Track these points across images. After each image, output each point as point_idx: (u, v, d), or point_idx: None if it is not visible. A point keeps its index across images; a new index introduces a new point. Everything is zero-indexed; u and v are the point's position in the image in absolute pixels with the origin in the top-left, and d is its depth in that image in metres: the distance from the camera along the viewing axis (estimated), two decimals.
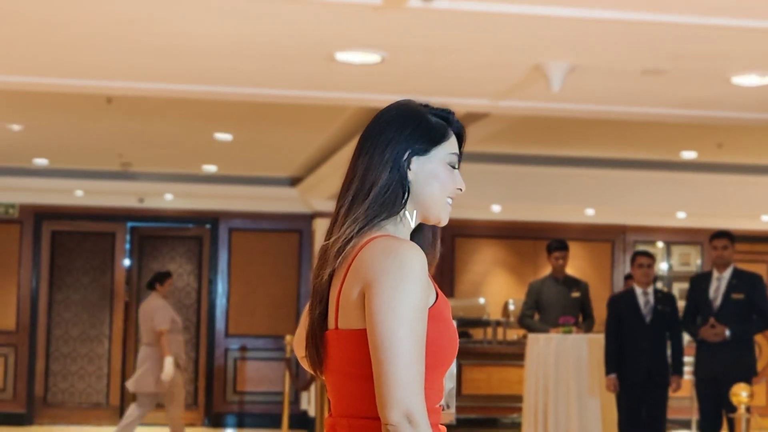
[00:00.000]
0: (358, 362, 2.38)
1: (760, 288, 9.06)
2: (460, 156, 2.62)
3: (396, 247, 2.38)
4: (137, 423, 10.99)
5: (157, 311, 11.01)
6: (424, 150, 2.52)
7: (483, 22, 5.99)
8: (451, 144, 2.56)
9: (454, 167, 2.57)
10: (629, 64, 6.90)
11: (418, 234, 2.60)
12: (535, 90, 7.50)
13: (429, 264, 2.57)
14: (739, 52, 6.58)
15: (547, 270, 11.27)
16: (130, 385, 11.00)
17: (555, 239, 10.81)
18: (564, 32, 6.21)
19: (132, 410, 10.94)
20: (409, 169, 2.52)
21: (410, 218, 2.54)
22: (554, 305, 10.38)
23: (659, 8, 5.72)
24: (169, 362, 10.75)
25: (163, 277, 11.29)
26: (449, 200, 2.56)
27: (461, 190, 2.58)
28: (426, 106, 2.61)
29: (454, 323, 2.50)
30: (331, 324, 2.48)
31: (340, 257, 2.48)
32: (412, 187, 2.52)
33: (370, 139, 2.55)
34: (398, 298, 2.30)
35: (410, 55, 6.79)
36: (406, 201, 2.51)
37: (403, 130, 2.53)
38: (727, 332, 8.83)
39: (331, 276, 2.51)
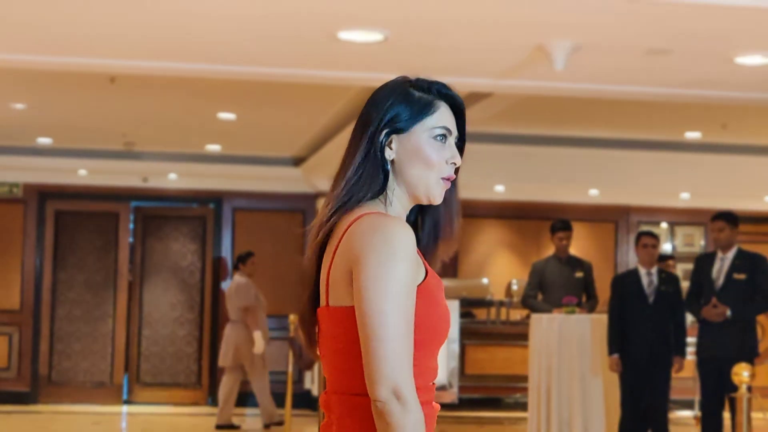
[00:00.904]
0: (348, 339, 2.38)
1: (764, 268, 9.05)
2: (463, 126, 2.57)
3: (383, 223, 2.36)
4: (234, 394, 11.92)
5: (240, 289, 11.67)
6: (403, 128, 2.48)
7: (486, 0, 5.97)
8: (437, 117, 2.50)
9: (444, 141, 2.51)
10: (633, 43, 6.88)
11: (432, 210, 2.57)
12: (538, 69, 7.49)
13: (447, 242, 2.59)
14: (744, 32, 6.56)
15: (550, 250, 11.27)
16: (220, 360, 11.90)
17: (559, 219, 10.81)
18: (568, 11, 6.20)
19: (223, 384, 11.84)
20: (390, 148, 2.48)
21: (404, 196, 2.50)
22: (558, 285, 10.39)
23: None
24: (258, 336, 11.55)
25: (244, 256, 11.77)
26: (443, 176, 2.50)
27: (456, 163, 2.51)
28: (416, 79, 2.56)
29: (448, 302, 2.50)
30: (322, 301, 2.47)
31: (322, 234, 2.48)
32: (397, 167, 2.49)
33: (356, 121, 2.54)
34: (385, 275, 2.29)
35: (413, 33, 6.78)
36: (386, 180, 2.48)
37: (380, 109, 2.50)
38: (729, 312, 8.84)
39: (320, 253, 2.50)
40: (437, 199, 2.51)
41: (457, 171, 2.55)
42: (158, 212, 14.72)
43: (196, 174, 14.20)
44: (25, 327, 14.12)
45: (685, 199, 14.71)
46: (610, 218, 15.00)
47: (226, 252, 14.40)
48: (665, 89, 8.39)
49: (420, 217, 2.59)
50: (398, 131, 2.49)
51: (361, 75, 8.04)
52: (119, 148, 13.41)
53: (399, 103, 2.50)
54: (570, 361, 9.90)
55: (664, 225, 15.34)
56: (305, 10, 6.29)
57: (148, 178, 14.30)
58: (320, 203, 13.74)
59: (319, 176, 13.63)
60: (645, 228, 13.31)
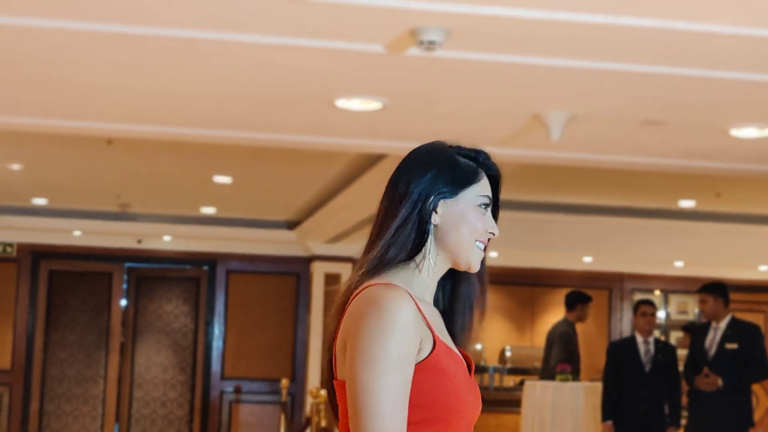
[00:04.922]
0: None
1: (756, 338, 9.03)
2: (497, 199, 2.52)
3: (380, 295, 2.29)
4: None
5: None
6: (450, 192, 2.44)
7: (483, 71, 6.01)
8: (481, 186, 2.47)
9: (486, 209, 2.47)
10: (629, 114, 6.91)
11: (465, 282, 2.52)
12: (534, 138, 7.51)
13: (481, 312, 2.54)
14: (738, 104, 6.60)
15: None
16: None
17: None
18: (564, 82, 6.24)
19: None
20: (436, 212, 2.42)
21: (432, 263, 2.44)
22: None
23: (658, 60, 5.75)
24: None
25: None
26: (480, 245, 2.45)
27: (494, 234, 2.47)
28: (457, 147, 2.52)
29: (470, 376, 2.42)
30: (335, 374, 2.42)
31: (340, 304, 2.41)
32: (439, 231, 2.43)
33: (392, 183, 2.47)
34: (374, 350, 2.22)
35: (411, 102, 6.80)
36: (424, 245, 2.42)
37: (427, 171, 2.44)
38: (720, 382, 8.80)
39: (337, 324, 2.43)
40: (475, 267, 2.46)
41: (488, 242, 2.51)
42: (152, 273, 14.69)
43: (191, 236, 14.20)
44: (15, 387, 14.04)
45: (678, 267, 14.71)
46: (603, 285, 14.99)
47: (220, 314, 14.36)
48: (660, 159, 8.41)
49: (451, 291, 2.54)
50: (446, 197, 2.44)
51: (358, 142, 8.07)
52: (114, 210, 13.41)
53: (446, 168, 2.46)
54: (563, 428, 9.86)
55: (657, 293, 15.33)
56: (303, 77, 6.32)
57: (142, 239, 14.30)
58: (314, 267, 13.79)
59: (313, 240, 13.63)
60: (639, 296, 13.31)
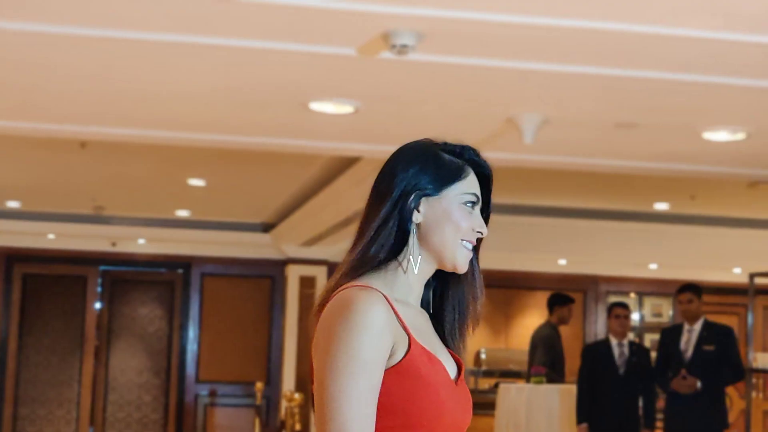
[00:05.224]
0: None
1: (731, 340, 9.07)
2: (488, 197, 2.45)
3: (351, 297, 2.21)
4: None
5: None
6: (433, 190, 2.35)
7: (456, 74, 6.01)
8: (467, 183, 2.37)
9: (472, 207, 2.38)
10: (602, 117, 6.93)
11: (455, 284, 2.44)
12: (508, 141, 7.52)
13: (474, 317, 2.47)
14: (710, 107, 6.62)
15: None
16: None
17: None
18: (537, 85, 6.25)
19: None
20: (418, 211, 2.34)
21: (415, 264, 2.35)
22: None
23: (632, 64, 5.77)
24: None
25: None
26: (467, 244, 2.37)
27: (481, 233, 2.39)
28: (444, 143, 2.42)
29: (452, 380, 2.33)
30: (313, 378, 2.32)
31: (318, 306, 2.33)
32: (422, 230, 2.35)
33: (375, 182, 2.40)
34: (340, 353, 2.15)
35: (384, 105, 6.81)
36: (404, 245, 2.34)
37: (408, 169, 2.35)
38: (699, 384, 8.82)
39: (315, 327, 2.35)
40: (462, 267, 2.38)
41: (479, 243, 2.42)
42: (126, 277, 14.66)
43: (165, 239, 14.17)
44: None
45: (653, 269, 14.75)
46: (578, 288, 15.02)
47: (194, 317, 14.33)
48: (633, 162, 8.44)
49: (441, 292, 2.46)
50: (428, 194, 2.36)
51: (332, 145, 8.06)
52: (88, 213, 13.36)
53: (429, 165, 2.37)
54: (537, 431, 9.87)
55: (632, 295, 15.37)
56: (276, 81, 6.31)
57: (116, 242, 14.26)
58: (289, 270, 13.78)
59: (288, 243, 13.61)
60: (613, 298, 13.34)
